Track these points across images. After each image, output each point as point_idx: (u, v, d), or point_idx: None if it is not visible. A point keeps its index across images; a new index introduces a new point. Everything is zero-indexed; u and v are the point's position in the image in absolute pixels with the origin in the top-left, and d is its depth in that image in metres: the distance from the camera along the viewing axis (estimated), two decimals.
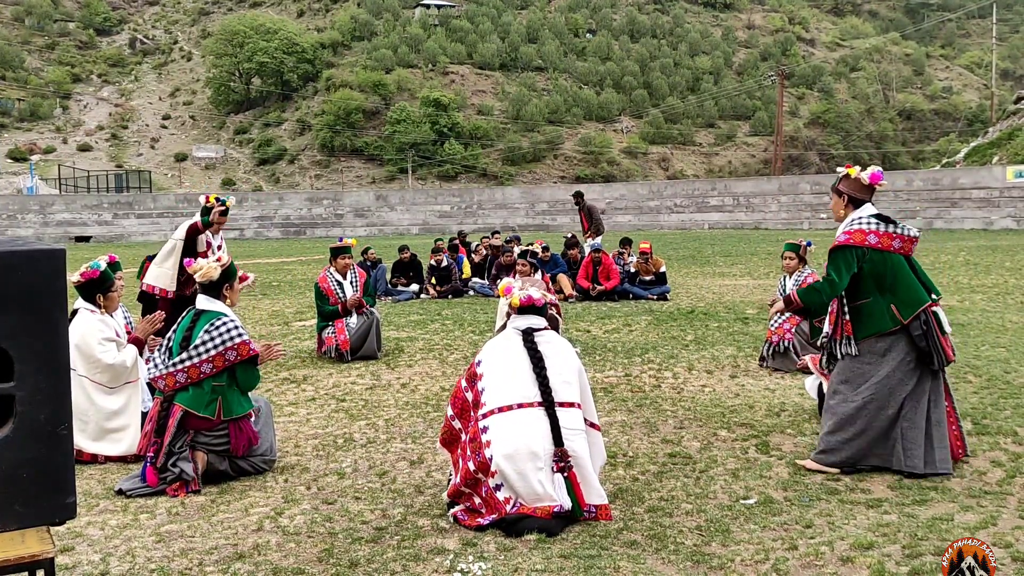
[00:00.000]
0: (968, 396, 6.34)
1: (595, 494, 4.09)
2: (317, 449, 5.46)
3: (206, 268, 4.95)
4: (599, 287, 12.93)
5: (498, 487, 3.99)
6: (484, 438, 4.05)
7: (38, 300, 2.20)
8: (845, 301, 4.73)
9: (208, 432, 4.77)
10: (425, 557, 3.70)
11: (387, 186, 61.26)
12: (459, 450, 4.28)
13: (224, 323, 4.83)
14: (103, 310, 5.57)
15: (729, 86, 79.46)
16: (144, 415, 5.33)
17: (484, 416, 4.11)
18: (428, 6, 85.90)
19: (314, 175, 67.95)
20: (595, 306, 12.36)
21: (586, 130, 72.53)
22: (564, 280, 13.30)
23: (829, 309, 4.89)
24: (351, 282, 8.83)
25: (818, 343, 5.18)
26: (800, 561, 3.58)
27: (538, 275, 10.59)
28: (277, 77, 75.99)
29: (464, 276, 14.67)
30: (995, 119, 46.80)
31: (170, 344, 4.91)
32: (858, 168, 4.81)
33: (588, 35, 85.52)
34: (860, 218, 4.73)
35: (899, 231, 4.70)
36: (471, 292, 14.36)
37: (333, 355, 8.48)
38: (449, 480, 4.36)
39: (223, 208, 7.35)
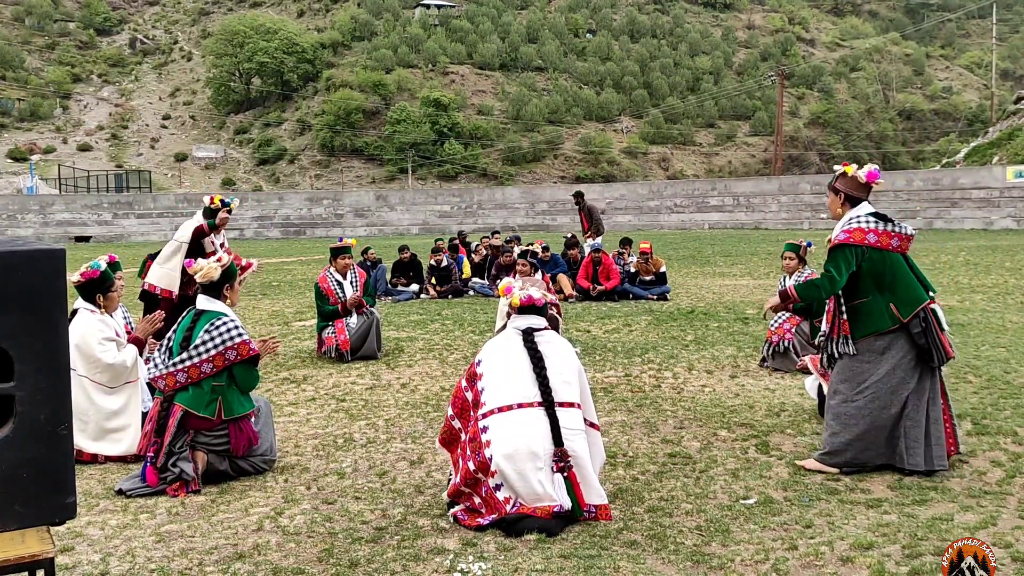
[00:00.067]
0: (968, 396, 6.33)
1: (595, 494, 4.09)
2: (317, 449, 5.46)
3: (206, 268, 4.95)
4: (599, 287, 12.93)
5: (498, 487, 3.99)
6: (484, 438, 4.05)
7: (38, 300, 2.20)
8: (843, 300, 4.73)
9: (208, 432, 4.77)
10: (425, 557, 3.70)
11: (387, 186, 61.27)
12: (459, 450, 4.28)
13: (224, 323, 4.83)
14: (103, 310, 5.57)
15: (729, 86, 79.47)
16: (144, 415, 5.33)
17: (484, 416, 4.11)
18: (428, 6, 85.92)
19: (314, 175, 67.96)
20: (595, 306, 12.36)
21: (586, 130, 72.54)
22: (564, 280, 13.30)
23: (827, 308, 4.89)
24: (351, 282, 8.83)
25: (816, 342, 5.18)
26: (800, 561, 3.58)
27: (538, 275, 10.60)
28: (277, 77, 76.00)
29: (464, 276, 14.67)
30: (995, 119, 46.80)
31: (170, 344, 4.91)
32: (855, 166, 4.80)
33: (588, 35, 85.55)
34: (858, 217, 4.72)
35: (897, 229, 4.70)
36: (471, 292, 14.36)
37: (333, 355, 8.48)
38: (449, 480, 4.36)
39: (228, 211, 7.49)
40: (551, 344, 4.29)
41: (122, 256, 7.18)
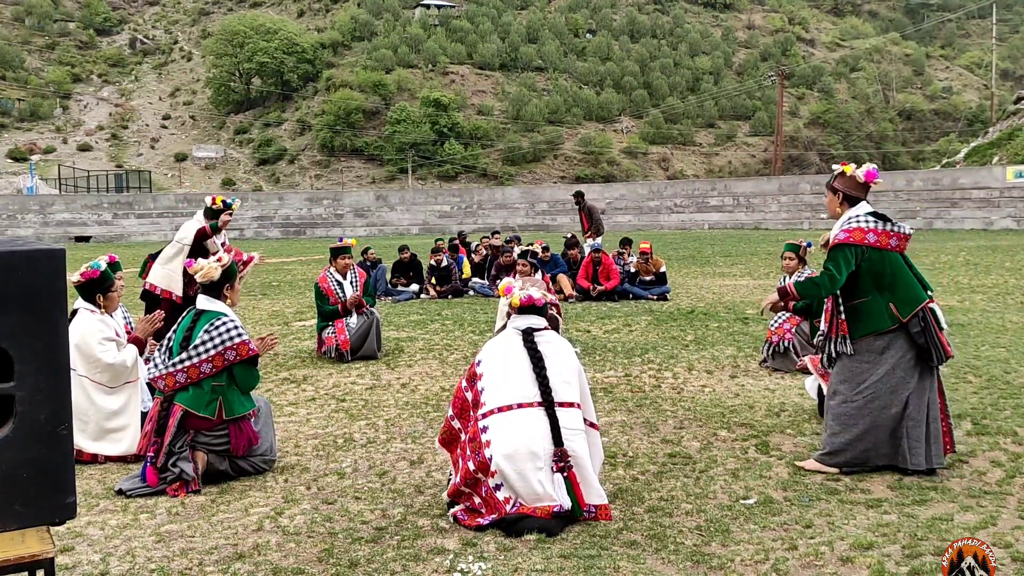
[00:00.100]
0: (968, 396, 6.33)
1: (595, 494, 4.09)
2: (317, 449, 5.46)
3: (207, 268, 4.95)
4: (599, 287, 12.93)
5: (498, 487, 3.99)
6: (484, 438, 4.05)
7: (38, 300, 2.20)
8: (840, 300, 4.73)
9: (208, 432, 4.77)
10: (425, 557, 3.70)
11: (387, 186, 61.27)
12: (459, 450, 4.28)
13: (224, 323, 4.83)
14: (103, 310, 5.57)
15: (729, 86, 79.47)
16: (144, 415, 5.34)
17: (484, 416, 4.11)
18: (428, 6, 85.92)
19: (314, 175, 67.97)
20: (595, 306, 12.36)
21: (586, 130, 72.55)
22: (564, 280, 13.30)
23: (824, 307, 4.88)
24: (351, 282, 8.83)
25: (815, 342, 5.17)
26: (800, 561, 3.58)
27: (538, 275, 10.60)
28: (277, 77, 76.01)
29: (464, 276, 14.67)
30: (995, 119, 46.80)
31: (170, 344, 4.91)
32: (853, 166, 4.80)
33: (588, 35, 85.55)
34: (857, 216, 4.72)
35: (895, 229, 4.70)
36: (471, 292, 14.36)
37: (333, 355, 8.48)
38: (449, 480, 4.36)
39: (230, 213, 7.58)
40: (551, 344, 4.29)
41: (122, 256, 7.18)
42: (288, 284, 16.48)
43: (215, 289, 4.97)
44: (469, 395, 4.26)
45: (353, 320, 8.57)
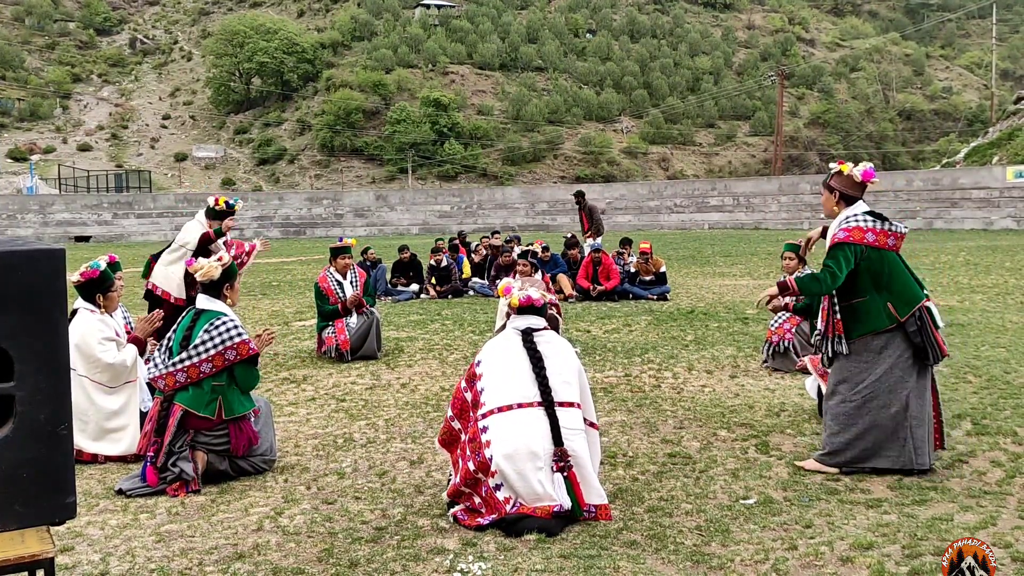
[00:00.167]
0: (968, 396, 6.34)
1: (595, 494, 4.09)
2: (317, 449, 5.46)
3: (207, 268, 4.95)
4: (599, 287, 12.93)
5: (498, 487, 3.99)
6: (484, 438, 4.05)
7: (38, 300, 2.20)
8: (836, 300, 4.72)
9: (208, 432, 4.77)
10: (425, 557, 3.70)
11: (387, 186, 61.27)
12: (459, 450, 4.28)
13: (224, 323, 4.83)
14: (103, 310, 5.57)
15: (729, 86, 79.48)
16: (144, 415, 5.34)
17: (484, 416, 4.12)
18: (428, 6, 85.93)
19: (314, 175, 67.97)
20: (595, 306, 12.36)
21: (586, 130, 72.55)
22: (564, 280, 13.30)
23: (821, 307, 4.88)
24: (351, 282, 8.83)
25: (812, 341, 5.17)
26: (800, 561, 3.58)
27: (538, 275, 10.60)
28: (277, 77, 76.01)
29: (464, 276, 14.67)
30: (995, 119, 46.80)
31: (170, 344, 4.91)
32: (851, 165, 4.79)
33: (588, 35, 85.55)
34: (855, 215, 4.71)
35: (893, 228, 4.70)
36: (471, 292, 14.36)
37: (333, 355, 8.48)
38: (449, 480, 4.37)
39: (232, 215, 7.67)
40: (550, 344, 4.29)
41: (122, 256, 7.18)
42: (288, 284, 16.48)
43: (215, 289, 4.98)
44: (469, 395, 4.26)
45: (353, 320, 8.57)
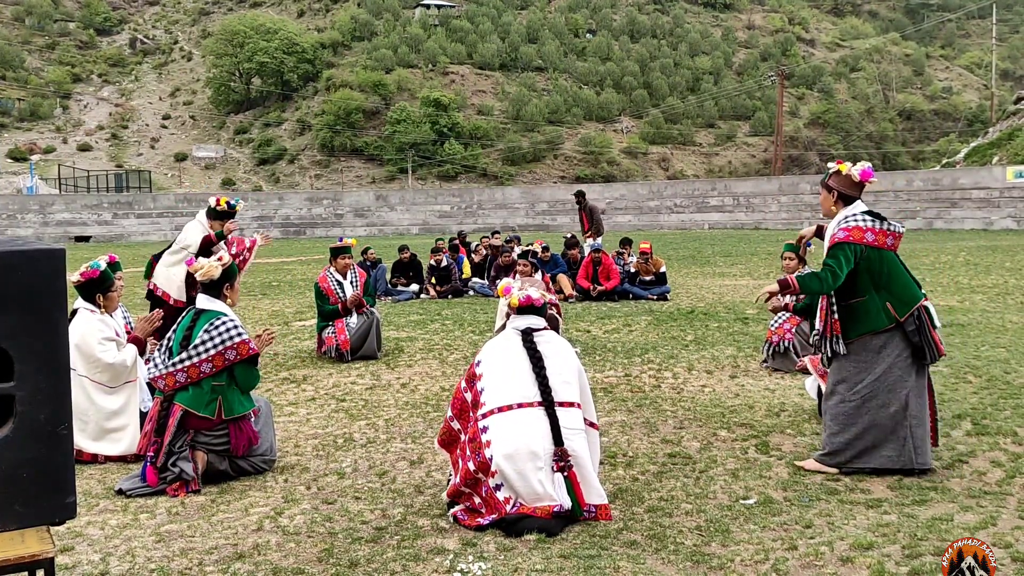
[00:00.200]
0: (968, 396, 6.33)
1: (595, 494, 4.09)
2: (317, 449, 5.46)
3: (207, 267, 4.95)
4: (599, 287, 12.93)
5: (498, 487, 3.99)
6: (484, 438, 4.05)
7: (38, 300, 2.20)
8: (834, 300, 4.72)
9: (208, 432, 4.77)
10: (425, 557, 3.70)
11: (387, 186, 61.27)
12: (458, 450, 4.28)
13: (223, 322, 4.83)
14: (103, 310, 5.57)
15: (729, 86, 79.47)
16: (143, 415, 5.34)
17: (484, 416, 4.12)
18: (428, 6, 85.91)
19: (314, 175, 67.96)
20: (595, 306, 12.36)
21: (586, 130, 72.53)
22: (564, 280, 13.30)
23: (819, 307, 4.88)
24: (351, 282, 8.83)
25: (811, 341, 5.17)
26: (800, 561, 3.58)
27: (538, 275, 10.60)
28: (277, 77, 76.00)
29: (464, 276, 14.68)
30: (995, 119, 46.80)
31: (170, 344, 4.91)
32: (849, 164, 4.79)
33: (588, 35, 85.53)
34: (854, 215, 4.71)
35: (891, 228, 4.70)
36: (471, 292, 14.36)
37: (333, 355, 8.48)
38: (449, 480, 4.37)
39: (235, 221, 7.74)
40: (550, 344, 4.29)
41: (122, 256, 7.18)
42: (288, 284, 16.48)
43: (215, 288, 4.98)
44: (468, 396, 4.26)
45: (353, 320, 8.57)
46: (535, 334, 4.31)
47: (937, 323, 4.69)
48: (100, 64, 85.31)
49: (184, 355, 4.77)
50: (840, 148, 70.09)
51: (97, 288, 5.56)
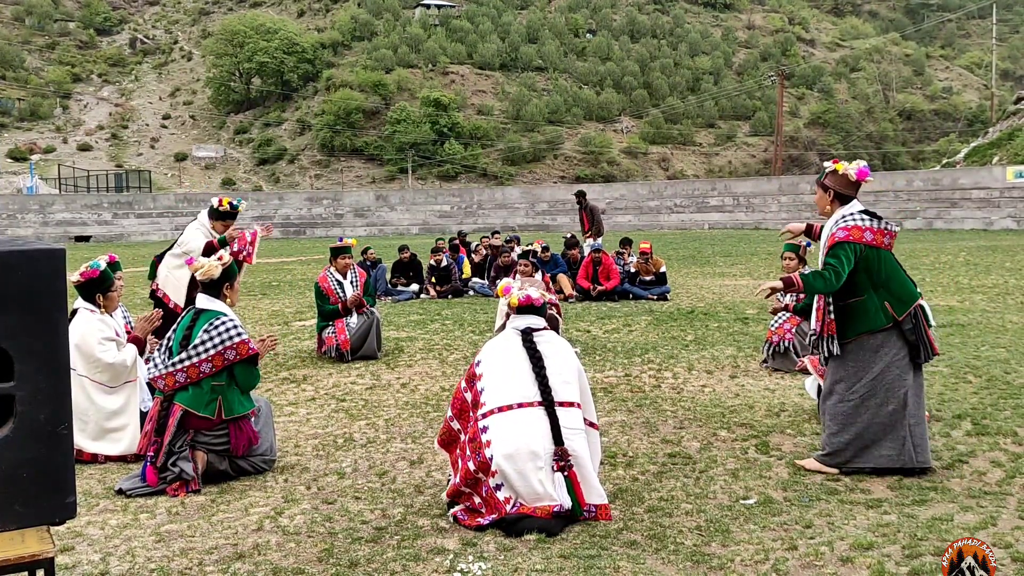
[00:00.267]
0: (968, 396, 6.33)
1: (595, 494, 4.09)
2: (317, 449, 5.46)
3: (207, 267, 4.95)
4: (599, 287, 12.93)
5: (498, 487, 3.99)
6: (484, 438, 4.05)
7: (38, 300, 2.20)
8: (831, 300, 4.71)
9: (208, 432, 4.77)
10: (425, 557, 3.70)
11: (387, 186, 61.27)
12: (458, 450, 4.28)
13: (223, 322, 4.83)
14: (103, 310, 5.57)
15: (729, 86, 79.46)
16: (143, 414, 5.34)
17: (484, 416, 4.12)
18: (428, 6, 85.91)
19: (314, 175, 67.96)
20: (595, 306, 12.36)
21: (586, 130, 72.53)
22: (564, 280, 13.31)
23: (816, 307, 4.87)
24: (351, 282, 8.83)
25: (807, 340, 5.16)
26: (800, 561, 3.58)
27: (538, 275, 10.60)
28: (277, 77, 75.99)
29: (464, 276, 14.68)
30: (995, 119, 46.80)
31: (170, 344, 4.91)
32: (845, 163, 4.79)
33: (588, 35, 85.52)
34: (852, 215, 4.71)
35: (887, 227, 4.70)
36: (471, 292, 14.36)
37: (333, 355, 8.48)
38: (449, 480, 4.37)
39: (235, 219, 7.75)
40: (550, 344, 4.29)
41: (122, 256, 7.18)
42: (288, 284, 16.48)
43: (215, 288, 4.98)
44: (468, 396, 4.26)
45: (353, 320, 8.57)
46: (535, 334, 4.31)
47: (932, 322, 4.69)
48: (100, 64, 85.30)
49: (184, 355, 4.77)
50: (840, 148, 70.10)
51: (97, 288, 5.56)
